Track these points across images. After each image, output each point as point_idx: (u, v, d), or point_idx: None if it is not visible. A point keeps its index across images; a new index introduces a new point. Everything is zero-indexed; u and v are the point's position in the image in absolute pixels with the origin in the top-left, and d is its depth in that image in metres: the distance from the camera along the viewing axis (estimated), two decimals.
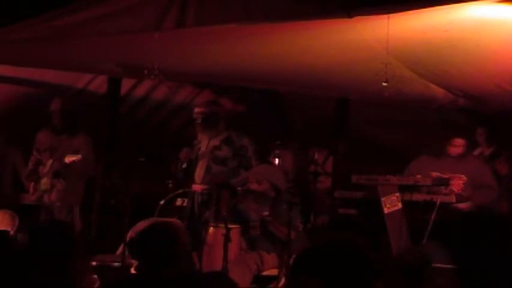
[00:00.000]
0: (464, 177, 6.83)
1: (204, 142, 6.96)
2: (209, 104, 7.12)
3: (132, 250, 3.79)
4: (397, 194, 6.32)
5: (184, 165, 7.01)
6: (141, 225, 7.14)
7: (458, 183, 6.83)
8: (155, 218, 7.37)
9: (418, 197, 6.45)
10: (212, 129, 6.91)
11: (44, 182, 7.31)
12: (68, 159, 7.04)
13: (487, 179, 6.85)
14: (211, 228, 6.03)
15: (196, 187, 6.92)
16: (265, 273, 6.12)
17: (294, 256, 5.84)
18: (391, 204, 6.29)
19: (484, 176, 6.86)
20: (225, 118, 7.01)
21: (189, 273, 3.59)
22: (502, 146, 7.31)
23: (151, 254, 3.60)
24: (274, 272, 6.10)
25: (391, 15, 4.63)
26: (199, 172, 6.93)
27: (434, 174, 6.81)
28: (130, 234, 6.90)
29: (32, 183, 7.47)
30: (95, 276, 5.02)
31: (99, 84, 8.74)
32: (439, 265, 6.02)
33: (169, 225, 3.84)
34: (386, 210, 6.32)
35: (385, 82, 5.12)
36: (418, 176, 6.55)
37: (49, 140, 7.42)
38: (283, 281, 5.92)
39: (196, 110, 7.00)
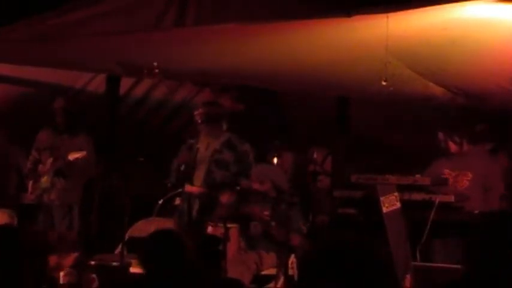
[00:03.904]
0: (469, 174, 6.80)
1: (203, 144, 6.76)
2: (209, 104, 7.01)
3: (141, 257, 3.78)
4: (396, 194, 6.31)
5: (182, 167, 6.81)
6: (141, 224, 7.15)
7: (462, 179, 6.80)
8: (154, 218, 7.37)
9: (416, 196, 6.45)
10: (214, 131, 6.78)
11: (45, 180, 7.31)
12: (72, 156, 7.04)
13: (496, 178, 6.80)
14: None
15: (193, 189, 6.71)
16: (264, 272, 6.12)
17: (293, 255, 5.86)
18: (390, 203, 6.28)
19: (493, 175, 6.82)
20: (227, 119, 6.90)
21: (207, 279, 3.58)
22: (501, 143, 7.29)
23: (161, 261, 3.61)
24: (273, 271, 6.11)
25: (390, 14, 4.64)
26: (198, 175, 6.73)
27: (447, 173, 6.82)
28: (129, 233, 6.90)
29: (31, 182, 7.47)
30: (94, 275, 5.02)
31: (98, 84, 8.74)
32: (439, 265, 6.04)
33: (175, 233, 3.86)
34: (385, 210, 6.30)
35: (384, 81, 5.13)
36: (417, 176, 6.55)
37: (50, 139, 7.43)
38: (282, 280, 5.93)
39: (197, 111, 6.90)
